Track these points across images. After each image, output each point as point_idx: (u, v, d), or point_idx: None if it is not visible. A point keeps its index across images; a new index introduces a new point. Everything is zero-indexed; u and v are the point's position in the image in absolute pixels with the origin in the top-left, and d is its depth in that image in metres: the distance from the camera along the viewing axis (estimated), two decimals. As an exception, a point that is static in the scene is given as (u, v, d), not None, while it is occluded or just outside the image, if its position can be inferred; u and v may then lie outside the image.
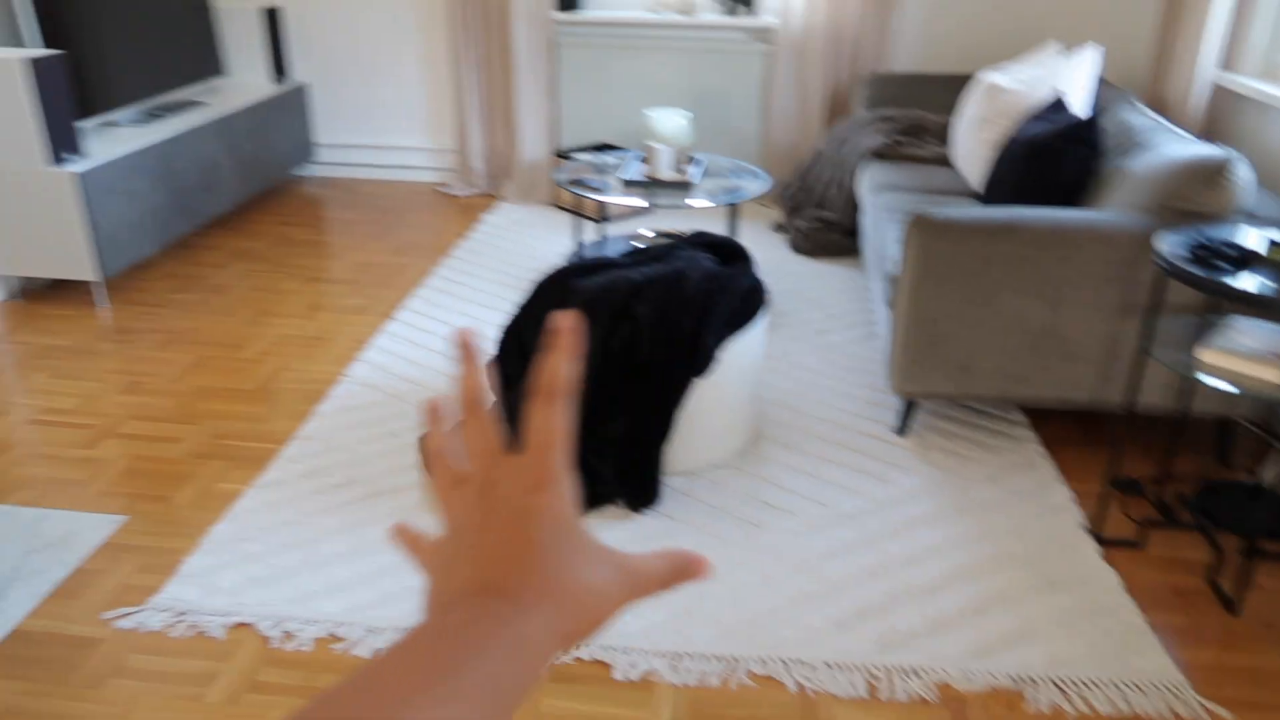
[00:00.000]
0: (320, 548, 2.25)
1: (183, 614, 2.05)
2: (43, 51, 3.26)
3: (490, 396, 0.41)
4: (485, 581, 0.40)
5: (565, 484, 0.43)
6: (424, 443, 0.43)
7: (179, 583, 2.14)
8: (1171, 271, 2.06)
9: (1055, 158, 2.87)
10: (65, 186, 3.29)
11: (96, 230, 3.38)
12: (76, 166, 3.30)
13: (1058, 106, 3.12)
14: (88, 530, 2.31)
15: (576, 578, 0.41)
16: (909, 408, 2.76)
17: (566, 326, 0.44)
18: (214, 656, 1.95)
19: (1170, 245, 2.15)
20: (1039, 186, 2.91)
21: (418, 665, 0.35)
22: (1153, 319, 2.16)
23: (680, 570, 0.45)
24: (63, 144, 3.31)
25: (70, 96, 3.34)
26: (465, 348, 0.46)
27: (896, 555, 2.27)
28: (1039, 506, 2.46)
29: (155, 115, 3.98)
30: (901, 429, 2.77)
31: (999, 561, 2.26)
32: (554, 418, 0.43)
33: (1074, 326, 2.52)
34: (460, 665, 0.36)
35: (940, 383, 2.64)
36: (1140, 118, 3.05)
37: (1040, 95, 3.31)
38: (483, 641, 0.37)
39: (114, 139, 3.65)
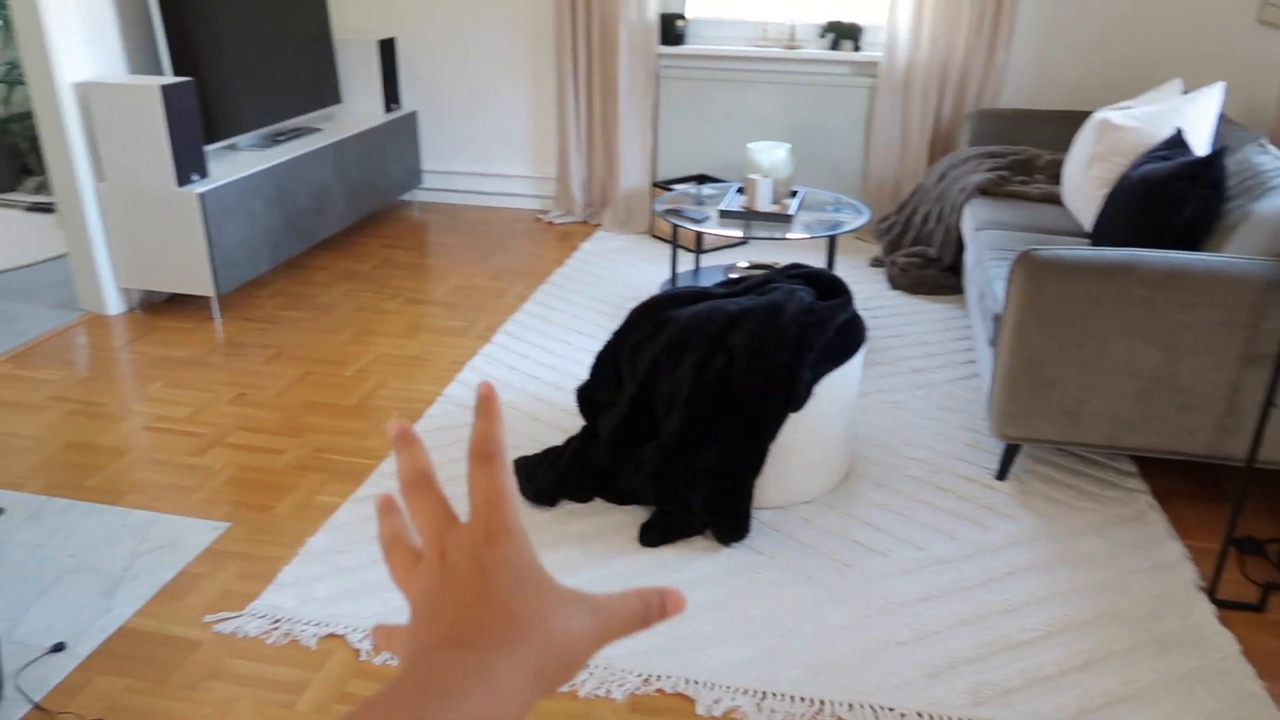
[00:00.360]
0: (411, 564, 2.28)
1: (278, 621, 2.10)
2: (174, 79, 3.45)
3: (432, 472, 0.44)
4: (448, 636, 0.40)
5: (517, 534, 0.43)
6: (380, 534, 0.48)
7: (276, 590, 2.20)
8: (1302, 319, 1.94)
9: (1173, 197, 2.76)
10: (189, 206, 3.46)
11: (215, 248, 3.54)
12: (199, 187, 3.47)
13: (1177, 144, 3.00)
14: (193, 535, 2.40)
15: (542, 618, 0.41)
16: (1010, 452, 2.66)
17: (484, 395, 0.45)
18: (306, 665, 1.99)
19: (1301, 291, 2.03)
20: (1154, 227, 2.79)
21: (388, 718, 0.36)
22: (1280, 369, 2.04)
23: (655, 607, 0.45)
24: (190, 166, 3.49)
25: (198, 121, 3.52)
26: (401, 434, 0.47)
27: (993, 604, 2.18)
28: (1149, 561, 2.34)
29: (274, 140, 4.16)
30: (1002, 473, 2.68)
31: (1104, 617, 2.15)
32: (493, 476, 0.44)
33: (1191, 374, 2.40)
34: (431, 716, 0.36)
35: (1044, 427, 2.54)
36: (1268, 158, 2.91)
37: (1158, 133, 3.19)
38: (451, 690, 0.37)
39: (234, 162, 3.83)
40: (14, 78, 4.72)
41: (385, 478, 2.64)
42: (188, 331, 3.58)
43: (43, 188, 5.35)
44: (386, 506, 0.48)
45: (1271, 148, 3.02)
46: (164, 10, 3.52)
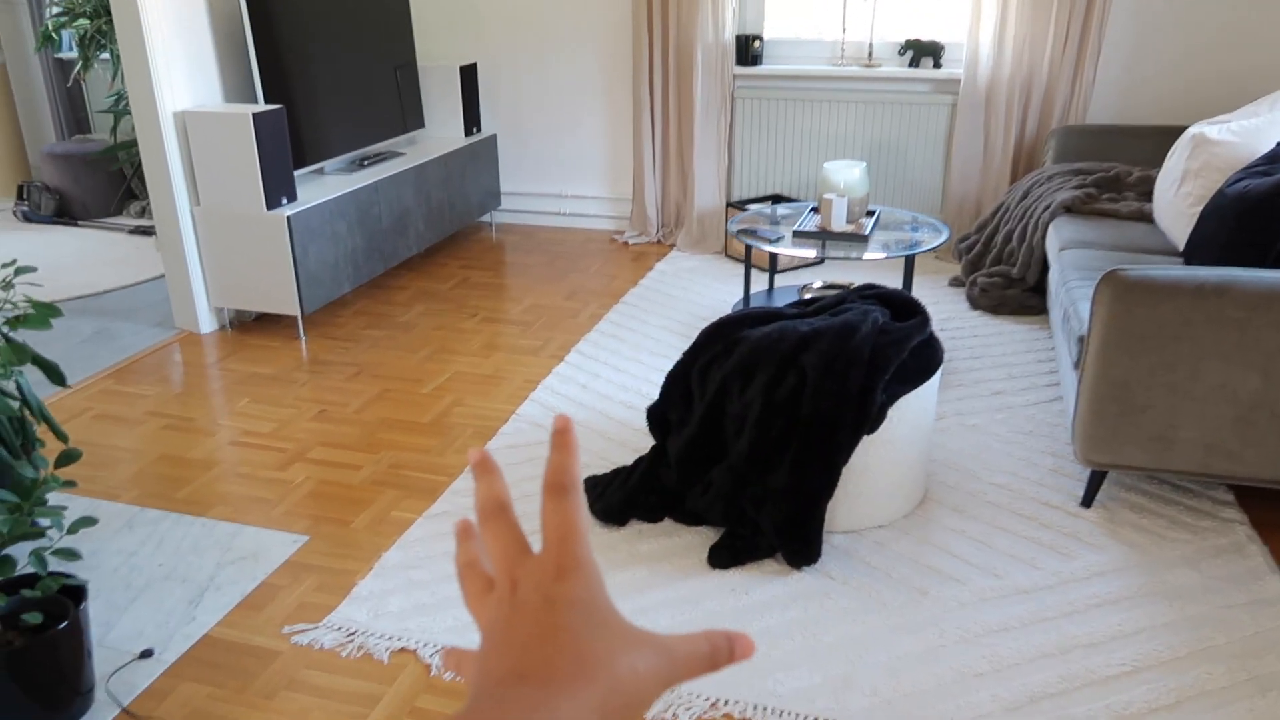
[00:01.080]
0: (481, 580, 2.31)
1: (353, 634, 2.15)
2: (265, 106, 3.59)
3: (509, 502, 0.47)
4: (515, 670, 0.40)
5: (588, 570, 0.43)
6: (456, 559, 0.48)
7: (351, 604, 2.24)
8: None
9: (1273, 214, 2.63)
10: (277, 228, 3.59)
11: (300, 269, 3.66)
12: (287, 210, 3.60)
13: (1276, 159, 2.87)
14: (274, 547, 2.47)
15: (609, 659, 0.41)
16: (1096, 478, 2.56)
17: (561, 428, 0.46)
18: (378, 679, 2.02)
19: None
20: (1252, 245, 2.67)
21: None
22: (1390, 395, 1.92)
23: (723, 651, 0.44)
24: (280, 190, 3.62)
25: (288, 147, 3.65)
26: (481, 461, 0.47)
27: (1077, 637, 2.10)
28: (1247, 596, 2.22)
29: (359, 164, 4.29)
30: (1088, 501, 2.58)
31: (1197, 654, 2.05)
32: (567, 510, 0.44)
33: (1292, 399, 2.28)
34: None
35: (1133, 454, 2.44)
36: (1377, 172, 2.76)
37: (1258, 147, 3.05)
38: None
39: (320, 186, 3.95)
40: (121, 108, 4.98)
41: (458, 495, 2.67)
42: (274, 349, 3.70)
43: (145, 212, 5.61)
44: (464, 532, 0.49)
45: (1381, 161, 2.86)
46: (257, 41, 3.67)
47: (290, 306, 3.69)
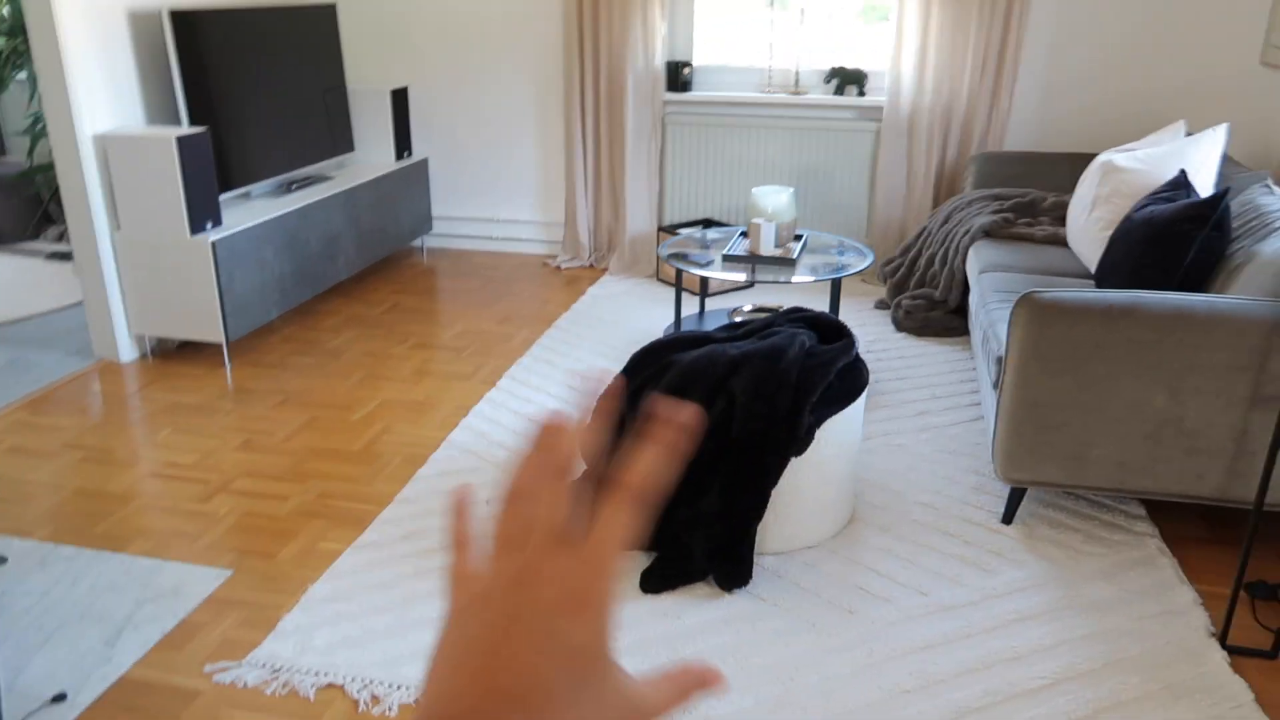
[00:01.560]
0: (411, 611, 2.28)
1: (277, 671, 2.10)
2: (189, 129, 3.52)
3: (576, 470, 0.39)
4: (480, 713, 0.35)
5: (608, 607, 0.37)
6: (452, 527, 0.41)
7: (276, 639, 2.19)
8: (1304, 362, 1.93)
9: (1177, 239, 2.76)
10: (202, 254, 3.52)
11: (226, 295, 3.59)
12: (212, 235, 3.53)
13: (1180, 186, 3.01)
14: (197, 582, 2.40)
15: (585, 696, 0.36)
16: (1016, 495, 2.64)
17: (676, 418, 0.38)
18: (304, 717, 1.98)
19: (1303, 334, 2.02)
20: (1159, 268, 2.79)
21: None
22: (1285, 411, 2.02)
23: (687, 690, 0.40)
24: (204, 214, 3.54)
25: (213, 171, 3.58)
26: (549, 424, 0.40)
27: (1000, 652, 2.15)
28: (1159, 607, 2.31)
29: (287, 188, 4.23)
30: (1008, 517, 2.65)
31: (1114, 665, 2.11)
32: (625, 519, 0.38)
33: (1198, 417, 2.38)
34: None
35: (1050, 471, 2.52)
36: (1274, 199, 2.91)
37: (1162, 175, 3.19)
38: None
39: (246, 210, 3.89)
40: (38, 130, 4.84)
41: (388, 524, 2.64)
42: (198, 378, 3.62)
43: (63, 236, 5.45)
44: (462, 502, 0.42)
45: (1276, 189, 3.02)
46: (182, 62, 3.60)
47: (215, 333, 3.62)
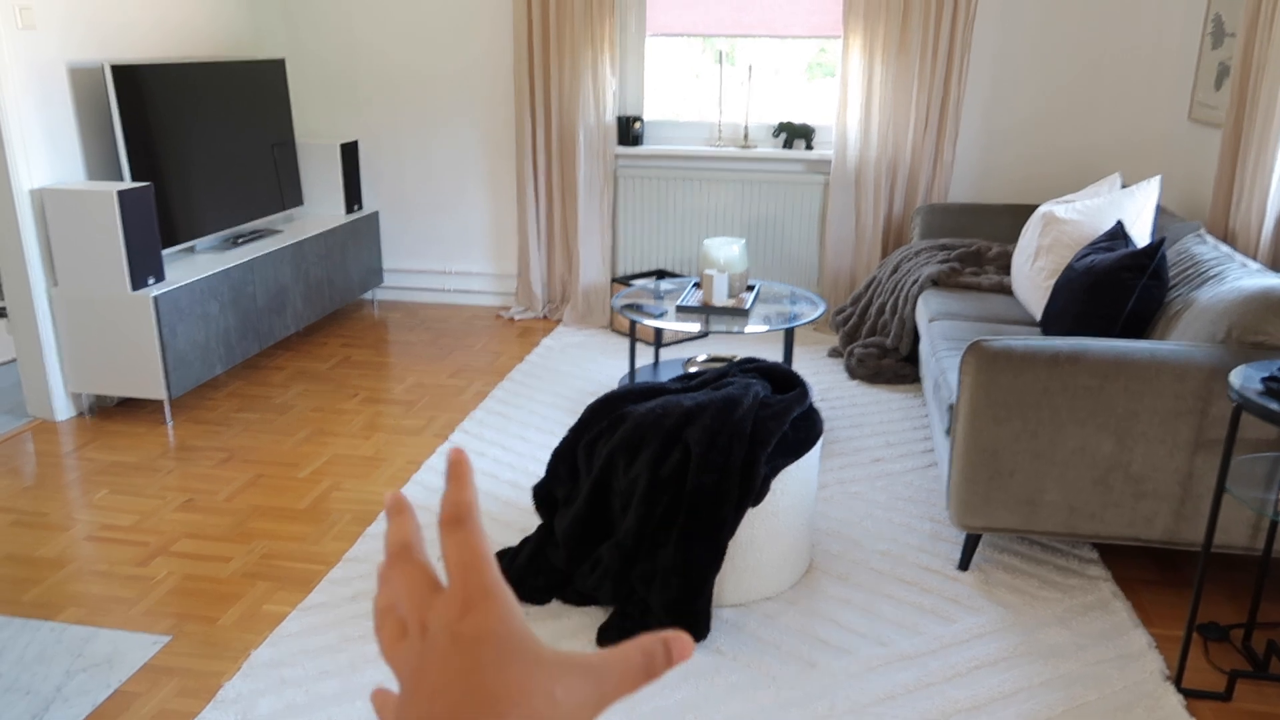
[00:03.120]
0: (359, 676, 2.20)
1: (217, 742, 2.00)
2: (131, 184, 3.46)
3: (417, 542, 0.44)
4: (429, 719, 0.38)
5: (497, 600, 0.40)
6: (375, 604, 0.45)
7: (216, 708, 2.10)
8: (1246, 406, 1.97)
9: (1118, 287, 2.83)
10: (143, 310, 3.44)
11: (168, 351, 3.50)
12: (154, 291, 3.45)
13: (1118, 235, 3.09)
14: (132, 650, 2.30)
15: (523, 693, 0.38)
16: (971, 542, 2.64)
17: (455, 459, 0.43)
18: (244, 789, 1.88)
19: (1244, 379, 2.07)
20: (1101, 316, 2.85)
21: None
22: (1229, 455, 2.06)
23: (658, 658, 0.41)
24: (146, 270, 3.47)
25: (155, 225, 3.52)
26: (394, 504, 0.45)
27: (959, 701, 2.13)
28: (1115, 652, 2.31)
29: (233, 242, 4.17)
30: (964, 564, 2.65)
31: (1072, 712, 2.11)
32: (467, 541, 0.41)
33: (1144, 462, 2.42)
34: None
35: (1004, 517, 2.53)
36: (1207, 248, 3.00)
37: (1100, 225, 3.28)
38: None
39: (191, 265, 3.82)
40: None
41: (336, 584, 2.56)
42: (138, 436, 3.51)
43: (-3, 292, 5.29)
44: (384, 576, 0.45)
45: (1209, 237, 3.12)
46: (124, 116, 3.55)
47: (156, 390, 3.52)
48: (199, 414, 3.71)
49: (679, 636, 0.42)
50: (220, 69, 4.09)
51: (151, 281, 3.51)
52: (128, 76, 3.56)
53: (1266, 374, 2.06)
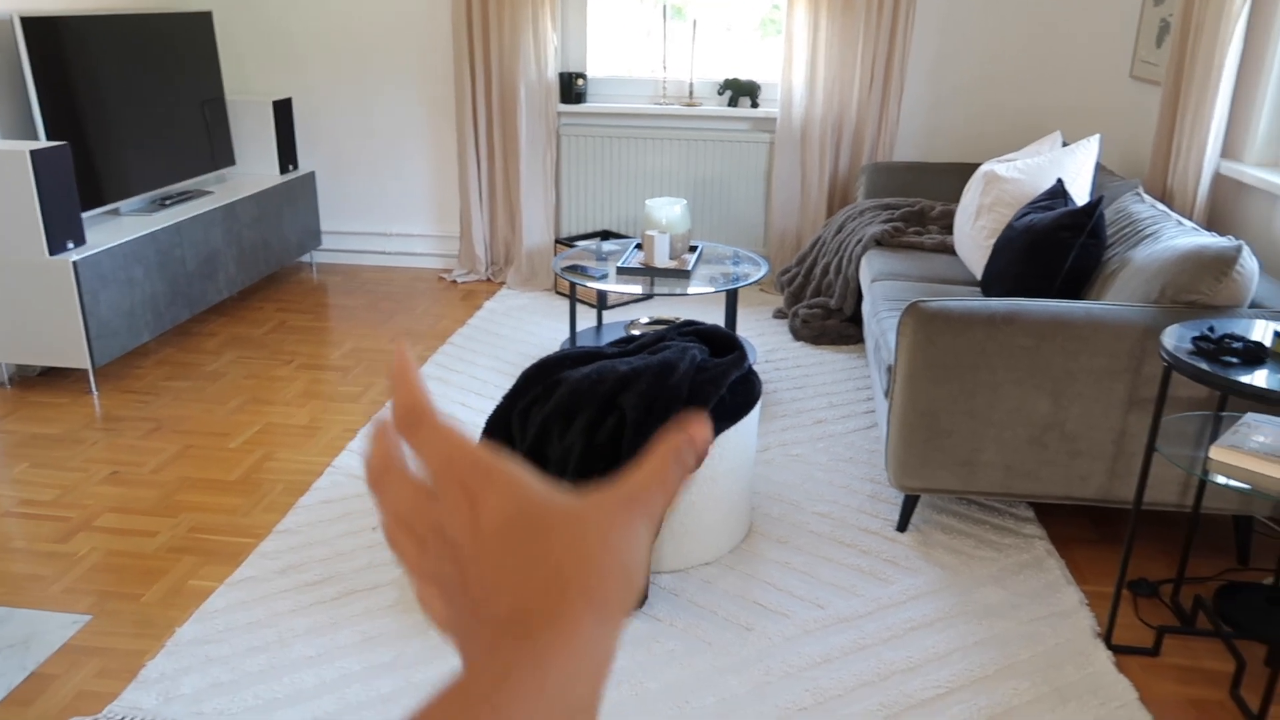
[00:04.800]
0: (288, 651, 2.15)
1: (138, 723, 1.94)
2: (46, 143, 3.30)
3: (398, 457, 0.38)
4: (496, 625, 0.34)
5: (498, 475, 0.36)
6: (382, 525, 0.40)
7: (138, 688, 2.04)
8: (1177, 366, 1.97)
9: (1056, 246, 2.82)
10: (62, 275, 3.29)
11: (91, 318, 3.37)
12: (73, 255, 3.31)
13: (1058, 194, 3.08)
14: (50, 630, 2.22)
15: (587, 545, 0.35)
16: (910, 503, 2.65)
17: (396, 358, 0.39)
18: (165, 771, 1.83)
19: (1176, 339, 2.07)
20: (1040, 275, 2.85)
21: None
22: (1160, 414, 2.07)
23: (684, 452, 0.38)
24: (65, 233, 3.32)
25: (74, 187, 3.36)
26: (377, 432, 0.39)
27: (895, 663, 2.14)
28: (1048, 610, 2.33)
29: (160, 204, 4.01)
30: (903, 525, 2.66)
31: (1005, 670, 2.13)
32: (433, 435, 0.37)
33: (1079, 421, 2.43)
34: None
35: (942, 477, 2.54)
36: (1144, 207, 3.01)
37: (1041, 184, 3.28)
38: (523, 694, 0.31)
39: (115, 228, 3.67)
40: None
41: (266, 557, 2.49)
42: (61, 407, 3.38)
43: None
44: (377, 496, 0.40)
45: (1147, 196, 3.12)
46: (38, 73, 3.38)
47: (80, 359, 3.39)
48: (126, 383, 3.59)
49: (694, 421, 0.39)
50: (143, 21, 3.90)
51: (71, 246, 3.36)
52: (41, 29, 3.38)
53: (1197, 334, 2.07)
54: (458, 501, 0.36)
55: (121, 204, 3.88)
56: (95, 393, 3.50)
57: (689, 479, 0.37)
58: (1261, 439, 2.02)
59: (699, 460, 0.39)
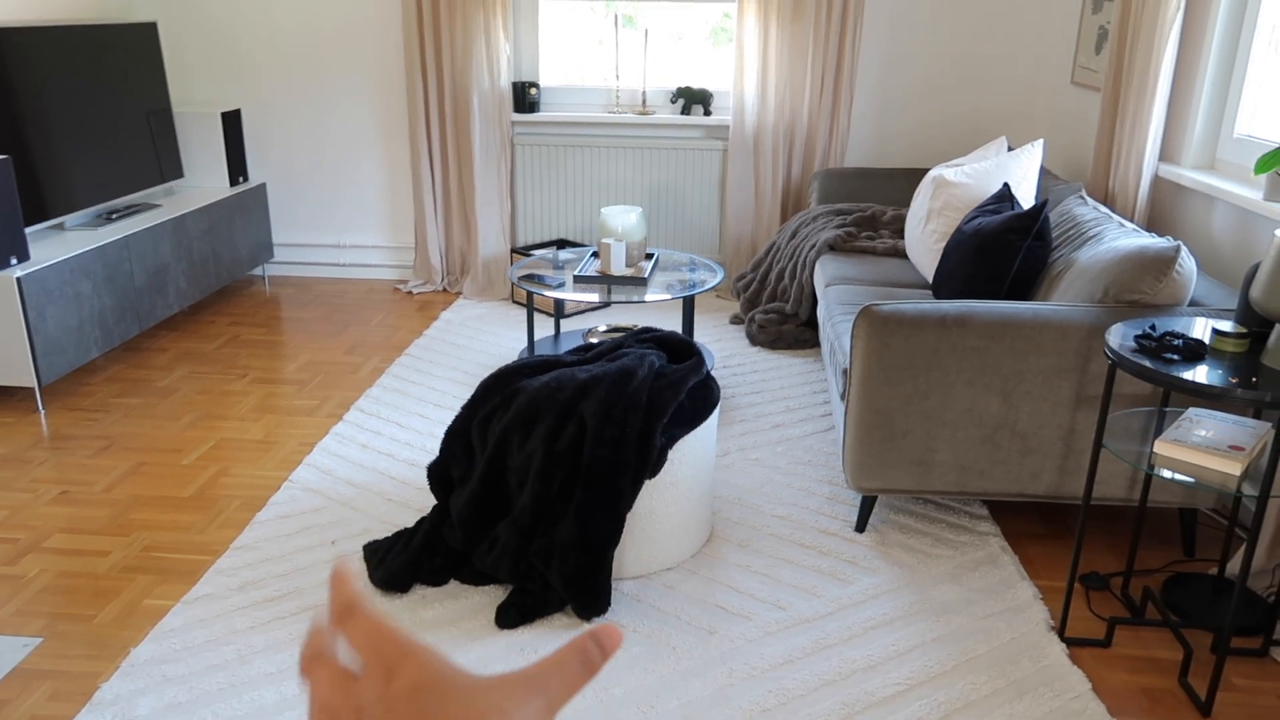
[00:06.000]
0: (247, 669, 2.12)
1: (93, 747, 1.91)
2: (-13, 156, 3.23)
3: (334, 645, 0.44)
4: None
5: (416, 653, 0.41)
6: (309, 711, 0.43)
7: (92, 711, 2.00)
8: (1121, 364, 2.03)
9: (1003, 250, 2.89)
10: (5, 291, 3.22)
11: (36, 335, 3.30)
12: (16, 271, 3.24)
13: (1005, 198, 3.15)
14: (1, 654, 2.17)
15: (485, 715, 0.39)
16: (868, 503, 2.69)
17: (336, 572, 0.45)
18: (122, 794, 1.80)
19: (1120, 337, 2.14)
20: (989, 277, 2.91)
21: None
22: (1106, 411, 2.12)
23: (594, 654, 0.42)
24: (8, 249, 3.25)
25: (16, 201, 3.29)
26: (313, 627, 0.45)
27: (856, 662, 2.17)
28: (1003, 605, 2.38)
29: (106, 218, 3.94)
30: (861, 525, 2.70)
31: (963, 666, 2.17)
32: (364, 622, 0.42)
33: (1029, 419, 2.48)
34: None
35: (898, 478, 2.58)
36: (1087, 209, 3.09)
37: (988, 188, 3.35)
38: None
39: (59, 242, 3.60)
40: None
41: (222, 574, 2.46)
42: (7, 426, 3.30)
43: None
44: (307, 684, 0.45)
45: (1089, 199, 3.21)
46: (-26, 85, 3.30)
47: (25, 377, 3.31)
48: (74, 400, 3.51)
49: (607, 628, 0.43)
50: (85, 32, 3.83)
51: (14, 261, 3.29)
52: (-23, 41, 3.31)
53: (1139, 332, 2.13)
54: (377, 675, 0.41)
55: (66, 218, 3.80)
56: (42, 411, 3.42)
57: (591, 676, 0.43)
58: (1204, 433, 2.09)
59: (603, 660, 0.43)
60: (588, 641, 0.42)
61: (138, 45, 4.17)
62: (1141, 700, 2.08)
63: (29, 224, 3.53)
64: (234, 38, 4.71)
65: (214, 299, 4.68)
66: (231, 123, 4.58)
